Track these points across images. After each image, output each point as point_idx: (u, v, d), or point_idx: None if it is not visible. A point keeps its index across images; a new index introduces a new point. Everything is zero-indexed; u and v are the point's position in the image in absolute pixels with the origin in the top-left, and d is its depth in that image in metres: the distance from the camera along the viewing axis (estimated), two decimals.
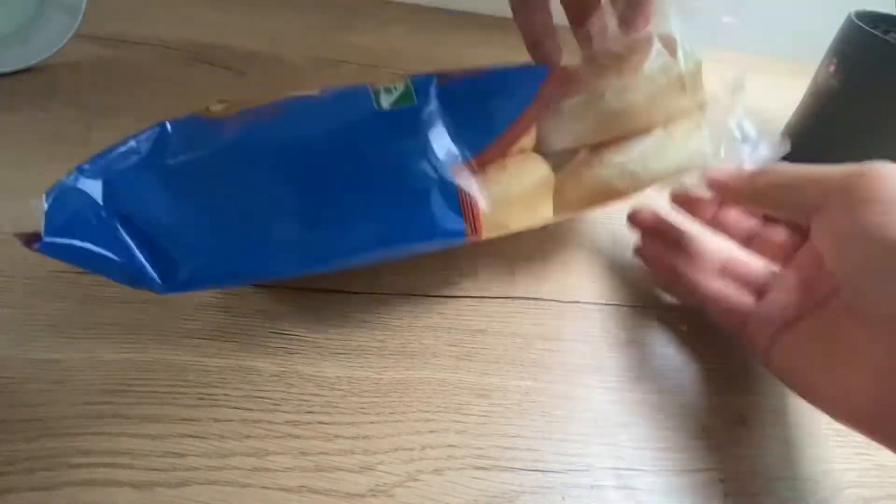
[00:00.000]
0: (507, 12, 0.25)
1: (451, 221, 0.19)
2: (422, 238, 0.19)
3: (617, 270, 0.29)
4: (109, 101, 0.35)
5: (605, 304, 0.27)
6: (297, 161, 0.18)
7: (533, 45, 0.25)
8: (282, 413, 0.20)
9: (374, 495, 0.18)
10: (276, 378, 0.21)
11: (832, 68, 0.37)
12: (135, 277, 0.18)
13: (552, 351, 0.24)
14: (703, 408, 0.23)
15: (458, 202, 0.19)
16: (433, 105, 0.18)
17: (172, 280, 0.18)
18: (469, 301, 0.26)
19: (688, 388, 0.24)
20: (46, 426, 0.19)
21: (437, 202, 0.19)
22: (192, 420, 0.20)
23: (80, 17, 0.37)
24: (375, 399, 0.21)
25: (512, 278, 0.27)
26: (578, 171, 0.22)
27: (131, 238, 0.18)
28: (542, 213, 0.21)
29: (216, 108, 0.19)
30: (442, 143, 0.18)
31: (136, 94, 0.37)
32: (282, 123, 0.18)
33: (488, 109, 0.19)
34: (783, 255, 0.23)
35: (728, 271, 0.25)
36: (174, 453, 0.19)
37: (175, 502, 0.17)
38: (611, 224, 0.31)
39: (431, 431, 0.21)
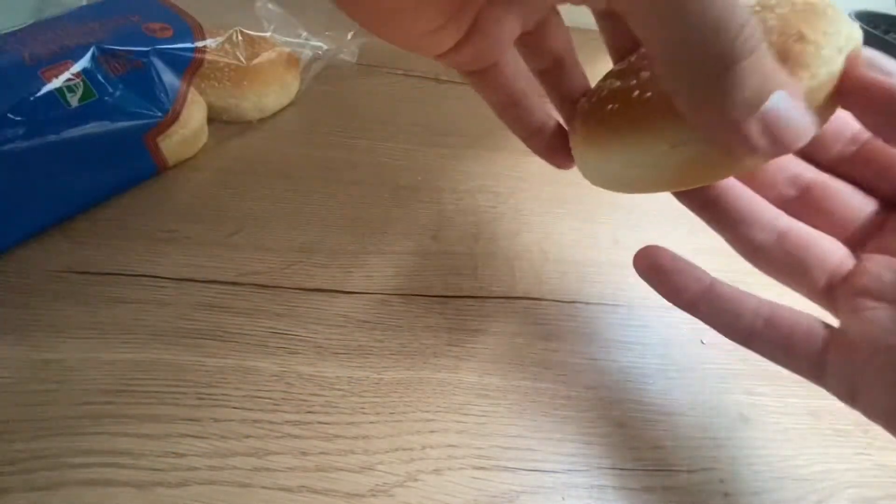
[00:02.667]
0: None
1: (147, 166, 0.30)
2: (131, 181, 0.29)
3: (617, 270, 0.29)
4: None
5: (605, 304, 0.27)
6: None
7: (527, 137, 0.20)
8: (282, 413, 0.20)
9: (374, 495, 0.18)
10: (276, 378, 0.21)
11: None
12: None
13: (552, 351, 0.24)
14: (703, 408, 0.23)
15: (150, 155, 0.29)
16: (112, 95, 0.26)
17: None
18: (469, 301, 0.26)
19: (688, 388, 0.24)
20: (46, 426, 0.19)
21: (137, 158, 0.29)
22: (192, 420, 0.20)
23: None
24: (375, 399, 0.21)
25: (512, 278, 0.27)
26: None
27: None
28: (200, 141, 0.32)
29: None
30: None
31: None
32: None
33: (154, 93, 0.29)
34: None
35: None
36: (174, 453, 0.19)
37: (175, 502, 0.17)
38: (612, 224, 0.31)
39: (431, 431, 0.21)
